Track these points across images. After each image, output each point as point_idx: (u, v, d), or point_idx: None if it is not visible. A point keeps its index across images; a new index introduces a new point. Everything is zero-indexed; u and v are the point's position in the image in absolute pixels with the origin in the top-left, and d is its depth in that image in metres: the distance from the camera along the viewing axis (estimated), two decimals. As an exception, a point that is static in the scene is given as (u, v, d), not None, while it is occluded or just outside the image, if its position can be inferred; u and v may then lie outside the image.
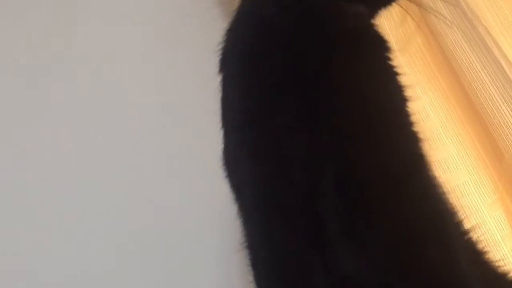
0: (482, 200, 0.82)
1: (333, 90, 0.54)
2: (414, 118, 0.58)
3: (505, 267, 0.62)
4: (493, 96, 0.79)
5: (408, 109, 0.58)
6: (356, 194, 0.51)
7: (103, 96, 1.15)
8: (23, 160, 1.11)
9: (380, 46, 0.61)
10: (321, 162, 0.52)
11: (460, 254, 0.54)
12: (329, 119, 0.53)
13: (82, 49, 1.20)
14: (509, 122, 0.76)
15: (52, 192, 1.07)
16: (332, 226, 0.51)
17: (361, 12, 0.56)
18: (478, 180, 0.84)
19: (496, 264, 0.62)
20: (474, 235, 0.61)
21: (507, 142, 0.76)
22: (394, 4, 0.61)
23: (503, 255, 0.76)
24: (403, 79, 0.59)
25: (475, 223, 0.76)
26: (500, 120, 0.77)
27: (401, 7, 0.59)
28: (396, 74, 0.59)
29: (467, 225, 0.61)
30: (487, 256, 0.61)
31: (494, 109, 0.78)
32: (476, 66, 0.82)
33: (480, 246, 0.62)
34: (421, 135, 0.57)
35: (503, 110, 0.77)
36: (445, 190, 0.56)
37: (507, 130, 0.76)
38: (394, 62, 0.60)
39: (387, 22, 0.94)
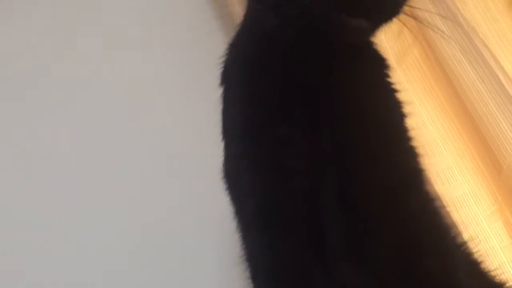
0: (481, 212, 0.82)
1: (333, 103, 0.55)
2: (412, 133, 0.58)
3: (502, 276, 0.63)
4: (490, 108, 0.79)
5: (407, 125, 0.59)
6: (356, 206, 0.52)
7: (107, 110, 1.15)
8: (24, 162, 1.11)
9: (379, 63, 0.62)
10: (321, 173, 0.52)
11: (458, 265, 0.55)
12: (329, 131, 0.54)
13: (85, 70, 1.21)
14: (506, 134, 0.77)
15: (51, 193, 1.07)
16: (333, 237, 0.51)
17: (362, 26, 0.56)
18: (477, 191, 0.84)
19: (494, 273, 0.62)
20: (471, 246, 0.61)
21: (505, 154, 0.76)
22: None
23: (501, 263, 0.77)
24: (402, 96, 0.60)
25: (473, 234, 0.77)
26: (498, 131, 0.77)
27: (399, 20, 0.60)
28: (395, 90, 0.60)
29: (464, 236, 0.62)
30: (484, 266, 0.62)
31: (491, 121, 0.78)
32: (474, 78, 0.83)
33: (477, 256, 0.62)
34: (419, 150, 0.58)
35: (500, 122, 0.78)
36: (442, 203, 0.57)
37: (505, 142, 0.76)
38: (392, 79, 0.61)
39: (384, 34, 0.95)
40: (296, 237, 0.53)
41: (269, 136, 0.55)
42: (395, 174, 0.54)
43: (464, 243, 0.59)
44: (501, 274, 0.62)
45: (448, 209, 0.78)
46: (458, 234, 0.59)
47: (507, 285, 0.62)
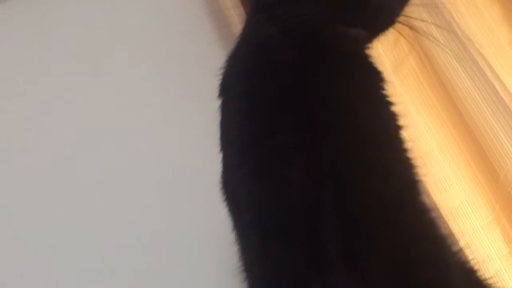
0: (479, 221, 0.82)
1: (330, 114, 0.55)
2: (408, 145, 0.59)
3: (499, 285, 0.63)
4: (486, 117, 0.80)
5: (402, 137, 0.59)
6: (353, 216, 0.52)
7: (106, 123, 1.16)
8: (19, 169, 1.12)
9: (375, 76, 0.62)
10: (319, 184, 0.53)
11: (455, 274, 0.55)
12: (326, 142, 0.54)
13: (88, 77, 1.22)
14: (503, 142, 0.77)
15: (47, 205, 1.07)
16: (331, 248, 0.51)
17: (359, 36, 0.56)
18: (474, 200, 0.84)
19: (490, 282, 0.62)
20: (467, 254, 0.61)
21: (502, 162, 0.76)
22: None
23: (497, 271, 0.77)
24: (397, 108, 0.60)
25: (470, 243, 0.77)
26: (494, 140, 0.78)
27: (395, 29, 0.60)
28: (390, 103, 0.60)
29: (460, 244, 0.62)
30: (480, 274, 0.62)
31: (488, 129, 0.79)
32: (470, 87, 0.83)
33: (473, 264, 0.62)
34: (414, 162, 0.58)
35: (497, 130, 0.78)
36: (438, 214, 0.57)
37: (501, 150, 0.77)
38: (388, 92, 0.61)
39: (380, 44, 0.96)
40: (293, 248, 0.53)
41: (267, 146, 0.55)
42: (391, 185, 0.54)
43: (460, 251, 0.59)
44: (497, 282, 0.62)
45: (445, 219, 0.79)
46: (454, 243, 0.59)
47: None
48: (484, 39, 1.00)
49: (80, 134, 1.15)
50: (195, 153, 1.05)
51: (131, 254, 1.01)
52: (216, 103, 0.65)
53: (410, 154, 0.58)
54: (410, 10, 0.63)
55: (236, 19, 1.08)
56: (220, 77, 0.65)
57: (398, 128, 0.59)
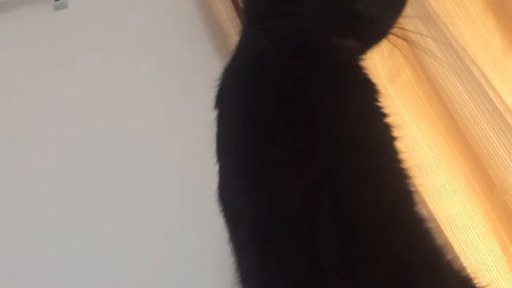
0: (476, 230, 0.82)
1: (325, 125, 0.55)
2: (402, 156, 0.59)
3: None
4: (482, 126, 0.80)
5: (397, 147, 0.59)
6: (349, 226, 0.52)
7: (104, 134, 1.17)
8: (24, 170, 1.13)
9: (369, 88, 0.63)
10: (315, 193, 0.53)
11: (451, 284, 0.55)
12: (322, 152, 0.54)
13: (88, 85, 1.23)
14: (498, 151, 0.77)
15: (47, 206, 1.09)
16: (328, 257, 0.51)
17: (353, 47, 0.57)
18: (471, 209, 0.84)
19: None
20: (462, 263, 0.62)
21: (498, 171, 0.76)
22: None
23: (493, 279, 0.77)
24: (391, 119, 0.61)
25: (467, 252, 0.77)
26: (490, 148, 0.78)
27: (389, 41, 0.61)
28: (384, 114, 0.61)
29: (456, 253, 0.62)
30: (476, 282, 0.62)
31: (483, 138, 0.79)
32: (465, 97, 0.84)
33: (468, 272, 0.62)
34: (409, 172, 0.59)
35: (492, 139, 0.78)
36: (433, 224, 0.57)
37: (497, 159, 0.77)
38: (382, 103, 0.62)
39: (376, 54, 0.97)
40: (291, 257, 0.53)
41: (263, 157, 0.55)
42: (385, 195, 0.54)
43: (455, 260, 0.59)
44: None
45: (442, 228, 0.79)
46: (450, 251, 0.59)
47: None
48: (478, 48, 1.01)
49: (76, 154, 1.16)
50: (191, 164, 1.05)
51: (127, 265, 1.02)
52: (213, 114, 0.65)
53: (405, 165, 0.59)
54: (405, 22, 0.64)
55: (233, 31, 1.09)
56: (216, 88, 0.66)
57: (392, 139, 0.60)
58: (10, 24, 1.33)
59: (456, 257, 0.59)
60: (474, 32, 1.02)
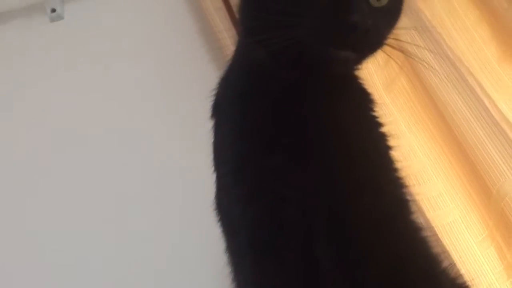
0: (473, 238, 0.82)
1: (322, 134, 0.55)
2: (398, 165, 0.60)
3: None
4: (477, 133, 0.81)
5: (392, 157, 0.60)
6: (347, 234, 0.52)
7: (101, 145, 1.17)
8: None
9: (365, 97, 0.63)
10: (313, 202, 0.53)
11: None
12: (319, 161, 0.54)
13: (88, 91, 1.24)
14: (494, 158, 0.78)
15: (46, 208, 1.09)
16: (325, 266, 0.51)
17: (349, 58, 0.57)
18: (467, 217, 0.84)
19: None
20: (458, 270, 0.62)
21: (494, 178, 0.76)
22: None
23: (489, 286, 0.77)
24: (387, 129, 0.61)
25: (464, 260, 0.77)
26: (486, 156, 0.78)
27: (383, 51, 0.62)
28: (380, 124, 0.61)
29: (452, 261, 0.62)
30: None
31: (479, 146, 0.79)
32: (460, 105, 0.84)
33: (464, 280, 0.62)
34: (404, 181, 0.59)
35: (487, 146, 0.79)
36: (429, 232, 0.58)
37: (493, 166, 0.77)
38: (377, 113, 0.62)
39: (371, 64, 0.97)
40: (287, 266, 0.53)
41: (260, 166, 0.55)
42: (382, 204, 0.54)
43: (451, 267, 0.59)
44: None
45: (439, 236, 0.79)
46: (446, 259, 0.59)
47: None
48: (473, 58, 1.01)
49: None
50: (188, 174, 1.05)
51: (122, 274, 1.01)
52: (209, 124, 0.66)
53: (401, 174, 0.59)
54: (400, 33, 0.64)
55: (229, 41, 1.10)
56: (212, 98, 0.66)
57: (388, 148, 0.60)
58: (7, 35, 1.34)
59: (452, 265, 0.59)
60: (469, 42, 1.02)
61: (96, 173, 1.13)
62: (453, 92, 0.86)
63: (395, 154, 0.60)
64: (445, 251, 0.76)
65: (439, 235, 0.80)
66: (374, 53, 0.60)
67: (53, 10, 1.36)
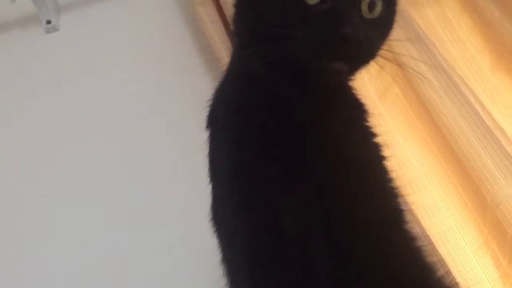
0: (468, 245, 0.83)
1: (316, 145, 0.56)
2: (391, 175, 0.60)
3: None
4: (471, 141, 0.81)
5: (386, 166, 0.60)
6: (343, 244, 0.52)
7: (97, 155, 1.17)
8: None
9: (358, 108, 0.64)
10: (309, 212, 0.53)
11: None
12: (313, 172, 0.55)
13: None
14: (488, 166, 0.78)
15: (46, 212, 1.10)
16: (322, 276, 0.51)
17: (342, 69, 0.58)
18: (463, 225, 0.85)
19: None
20: (453, 279, 0.62)
21: (488, 186, 0.77)
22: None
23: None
24: (380, 139, 0.62)
25: (460, 268, 0.77)
26: (480, 164, 0.79)
27: (376, 63, 0.62)
28: (373, 134, 0.62)
29: (447, 269, 0.62)
30: None
31: (473, 154, 0.80)
32: (454, 113, 0.85)
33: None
34: (398, 191, 0.60)
35: (482, 154, 0.79)
36: (423, 241, 0.58)
37: (487, 174, 0.77)
38: (371, 123, 0.63)
39: (365, 74, 0.98)
40: (285, 277, 0.53)
41: (255, 177, 0.55)
42: (376, 214, 0.55)
43: (447, 275, 0.60)
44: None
45: (434, 244, 0.79)
46: (441, 267, 0.60)
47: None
48: (466, 67, 1.03)
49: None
50: (184, 186, 1.05)
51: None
52: (205, 135, 0.66)
53: (395, 184, 0.59)
54: (394, 44, 0.65)
55: (224, 53, 1.10)
56: (208, 109, 0.66)
57: (382, 158, 0.61)
58: (2, 46, 1.34)
59: (447, 273, 0.59)
60: (463, 51, 1.04)
61: (89, 190, 1.12)
62: (447, 101, 0.87)
63: (389, 163, 0.60)
64: (440, 259, 0.76)
65: (435, 243, 0.80)
66: (367, 65, 0.61)
67: (48, 22, 1.36)
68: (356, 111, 0.63)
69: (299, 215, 0.53)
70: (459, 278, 0.77)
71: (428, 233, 0.80)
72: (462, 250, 0.82)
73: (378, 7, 0.58)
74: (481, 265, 0.80)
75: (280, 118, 0.57)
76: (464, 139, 0.82)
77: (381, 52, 0.60)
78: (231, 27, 0.71)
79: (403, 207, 0.59)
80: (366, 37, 0.55)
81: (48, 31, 1.37)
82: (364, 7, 0.57)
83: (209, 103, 0.67)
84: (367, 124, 0.63)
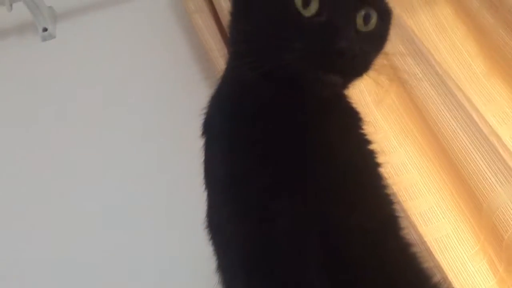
0: (465, 252, 0.83)
1: (311, 153, 0.56)
2: (386, 181, 0.61)
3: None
4: (467, 147, 0.81)
5: (381, 173, 0.61)
6: (339, 252, 0.52)
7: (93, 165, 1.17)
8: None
9: (353, 116, 0.65)
10: (306, 220, 0.53)
11: None
12: (309, 179, 0.55)
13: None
14: (484, 172, 0.78)
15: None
16: (319, 283, 0.51)
17: (337, 82, 0.59)
18: (459, 231, 0.85)
19: None
20: (450, 285, 0.62)
21: (484, 192, 0.77)
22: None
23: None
24: (375, 146, 0.62)
25: (457, 274, 0.77)
26: (476, 170, 0.79)
27: (369, 76, 0.63)
28: (369, 142, 0.63)
29: (443, 276, 0.62)
30: None
31: (468, 159, 0.80)
32: (449, 119, 0.85)
33: None
34: (393, 198, 0.60)
35: (477, 160, 0.79)
36: (423, 246, 0.58)
37: (483, 180, 0.78)
38: (366, 131, 0.63)
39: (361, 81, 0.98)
40: (281, 284, 0.53)
41: (251, 185, 0.55)
42: (372, 221, 0.55)
43: (443, 282, 0.60)
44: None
45: (431, 250, 0.79)
46: (437, 273, 0.60)
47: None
48: (461, 72, 1.03)
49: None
50: (180, 193, 1.05)
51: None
52: (200, 142, 0.66)
53: (390, 190, 0.60)
54: (389, 52, 0.65)
55: (220, 60, 1.11)
56: (203, 116, 0.66)
57: (377, 165, 0.61)
58: (-3, 54, 1.34)
59: (443, 279, 0.59)
60: (457, 57, 1.04)
61: (85, 201, 1.12)
62: (442, 106, 0.87)
63: (384, 171, 0.60)
64: (437, 266, 0.76)
65: (432, 250, 0.80)
66: (361, 77, 0.61)
67: (45, 29, 1.37)
68: (351, 119, 0.64)
69: (295, 222, 0.53)
70: (456, 285, 0.77)
71: (425, 239, 0.80)
72: (459, 256, 0.82)
73: (373, 20, 0.59)
74: (478, 271, 0.80)
75: (275, 126, 0.58)
76: (460, 144, 0.82)
77: (375, 64, 0.61)
78: (228, 34, 0.71)
79: (399, 214, 0.59)
80: (361, 51, 0.56)
81: (44, 39, 1.37)
82: (359, 20, 0.58)
83: (204, 111, 0.67)
84: (362, 131, 0.63)
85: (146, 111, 1.23)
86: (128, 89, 1.26)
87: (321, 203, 0.54)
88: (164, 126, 1.19)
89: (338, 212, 0.54)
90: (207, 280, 0.62)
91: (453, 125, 0.84)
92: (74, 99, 1.26)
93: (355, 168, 0.58)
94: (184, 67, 1.26)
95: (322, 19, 0.56)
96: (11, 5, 1.31)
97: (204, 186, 0.64)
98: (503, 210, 0.73)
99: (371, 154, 0.61)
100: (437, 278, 0.57)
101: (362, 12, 0.57)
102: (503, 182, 0.76)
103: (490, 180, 0.77)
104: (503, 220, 0.73)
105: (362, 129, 0.63)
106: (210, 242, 0.62)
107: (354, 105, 0.66)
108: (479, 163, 0.79)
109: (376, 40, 0.62)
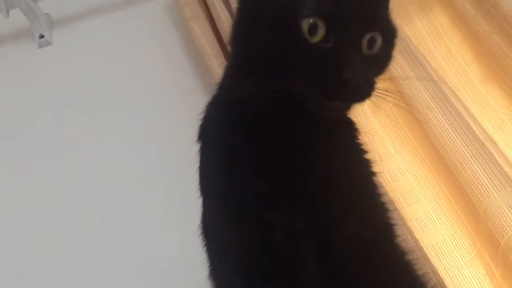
0: (462, 258, 0.83)
1: (307, 162, 0.56)
2: (381, 190, 0.62)
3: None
4: (463, 153, 0.81)
5: (376, 182, 0.61)
6: (334, 259, 0.52)
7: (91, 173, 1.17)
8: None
9: (348, 126, 0.65)
10: (301, 228, 0.53)
11: None
12: (304, 188, 0.55)
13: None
14: (480, 178, 0.78)
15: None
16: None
17: (340, 108, 0.60)
18: (456, 237, 0.85)
19: None
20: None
21: (481, 198, 0.77)
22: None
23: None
24: (371, 156, 0.63)
25: (454, 280, 0.77)
26: (472, 176, 0.79)
27: (370, 101, 0.63)
28: (364, 151, 0.63)
29: (438, 281, 0.62)
30: None
31: (465, 166, 0.80)
32: (445, 125, 0.85)
33: None
34: (388, 206, 0.61)
35: (473, 167, 0.79)
36: (419, 253, 0.59)
37: (479, 186, 0.78)
38: (361, 141, 0.64)
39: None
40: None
41: (247, 192, 0.55)
42: (367, 229, 0.55)
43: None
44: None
45: (427, 256, 0.79)
46: (431, 279, 0.60)
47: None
48: (457, 79, 1.04)
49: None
50: (176, 201, 1.05)
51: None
52: (196, 148, 0.66)
53: (384, 199, 0.60)
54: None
55: (217, 67, 1.11)
56: (200, 122, 0.66)
57: (372, 174, 0.62)
58: (-6, 61, 1.34)
59: (439, 284, 0.59)
60: (453, 64, 1.05)
61: (84, 204, 1.12)
62: (438, 113, 0.87)
63: (379, 179, 0.61)
64: (434, 272, 0.76)
65: (428, 255, 0.80)
66: (364, 102, 0.62)
67: (41, 36, 1.37)
68: (346, 129, 0.64)
69: (291, 231, 0.53)
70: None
71: (422, 245, 0.80)
72: (455, 262, 0.82)
73: (378, 44, 0.59)
74: (475, 277, 0.80)
75: (271, 135, 0.58)
76: (456, 150, 0.82)
77: (379, 89, 0.61)
78: (226, 42, 0.71)
79: (394, 222, 0.59)
80: (364, 80, 0.56)
81: (41, 46, 1.38)
82: (364, 43, 0.58)
83: (201, 117, 0.67)
84: (358, 141, 0.63)
85: (143, 117, 1.23)
86: (125, 95, 1.26)
87: (317, 211, 0.54)
88: (160, 131, 1.19)
89: (334, 220, 0.54)
90: (206, 280, 0.61)
91: (449, 131, 0.85)
92: (71, 105, 1.26)
93: (350, 177, 0.59)
94: (180, 73, 1.27)
95: (328, 46, 0.55)
96: (7, 12, 1.32)
97: (199, 193, 0.64)
98: (499, 216, 0.73)
99: (366, 163, 0.62)
100: (432, 283, 0.58)
101: (367, 36, 0.58)
102: (499, 187, 0.76)
103: (486, 186, 0.77)
104: (499, 226, 0.73)
105: (358, 138, 0.64)
106: (205, 249, 0.62)
107: (350, 116, 0.66)
108: (475, 169, 0.79)
109: (379, 62, 0.62)
